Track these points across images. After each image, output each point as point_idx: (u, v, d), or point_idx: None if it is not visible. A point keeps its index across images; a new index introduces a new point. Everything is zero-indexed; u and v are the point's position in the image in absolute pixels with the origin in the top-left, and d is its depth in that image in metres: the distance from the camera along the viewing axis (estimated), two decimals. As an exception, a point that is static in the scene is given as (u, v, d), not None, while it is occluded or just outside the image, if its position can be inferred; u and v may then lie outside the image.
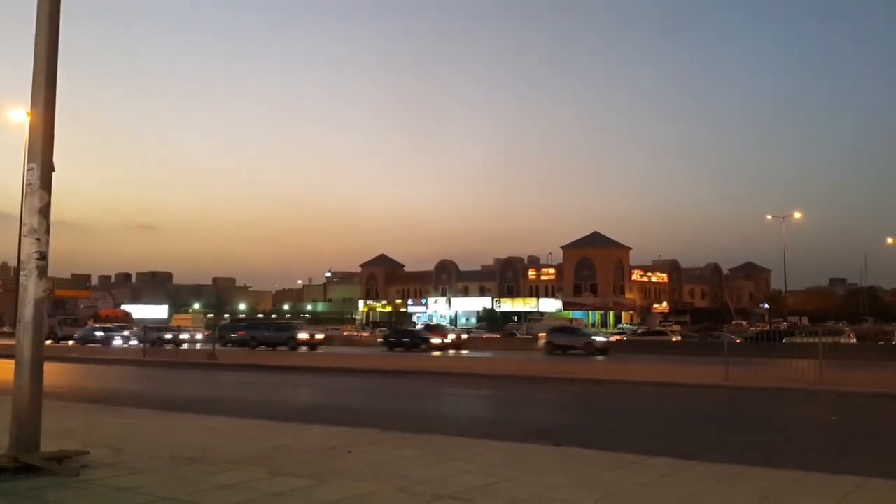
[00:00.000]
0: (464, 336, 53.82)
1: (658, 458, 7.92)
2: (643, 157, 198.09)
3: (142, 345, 41.62)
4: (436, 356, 38.91)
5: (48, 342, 51.78)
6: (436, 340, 46.83)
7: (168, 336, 49.42)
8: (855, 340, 41.13)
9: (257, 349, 44.07)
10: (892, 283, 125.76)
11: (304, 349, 44.44)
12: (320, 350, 44.50)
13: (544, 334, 47.76)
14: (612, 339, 46.67)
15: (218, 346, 47.37)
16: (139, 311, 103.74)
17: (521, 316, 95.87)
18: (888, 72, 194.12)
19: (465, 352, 45.11)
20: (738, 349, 23.52)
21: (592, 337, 42.82)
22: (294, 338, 45.93)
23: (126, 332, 52.16)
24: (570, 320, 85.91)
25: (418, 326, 63.97)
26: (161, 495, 5.90)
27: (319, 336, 49.49)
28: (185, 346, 48.00)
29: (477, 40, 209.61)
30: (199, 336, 55.04)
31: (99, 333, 52.08)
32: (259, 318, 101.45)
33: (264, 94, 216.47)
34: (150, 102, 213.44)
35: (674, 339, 54.36)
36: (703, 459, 8.02)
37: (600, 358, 36.13)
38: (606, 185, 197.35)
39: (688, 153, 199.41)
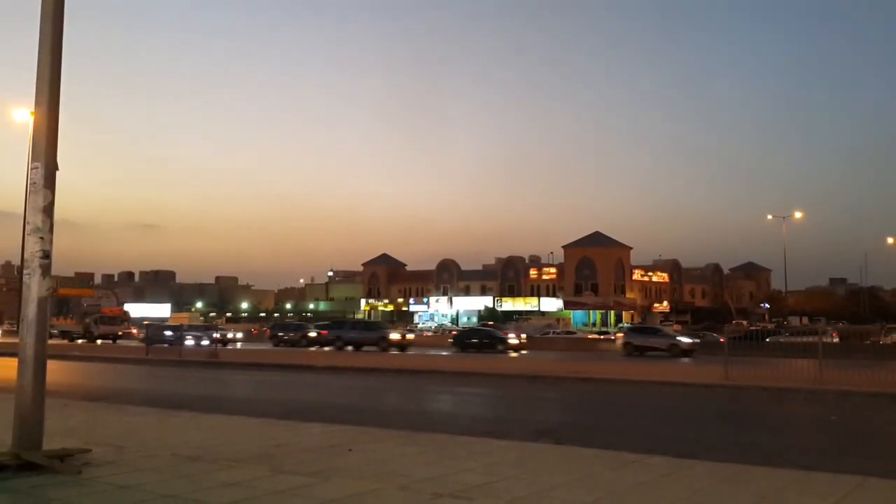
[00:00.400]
0: (523, 336, 50.93)
1: (659, 457, 7.94)
2: (644, 157, 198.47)
3: (213, 346, 41.14)
4: (514, 357, 36.92)
5: (80, 341, 49.75)
6: (514, 341, 43.57)
7: (217, 335, 49.03)
8: (837, 340, 40.42)
9: (344, 350, 41.64)
10: (893, 282, 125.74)
11: (394, 350, 41.36)
12: (392, 351, 40.82)
13: (622, 334, 43.99)
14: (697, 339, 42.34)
15: (270, 346, 46.53)
16: (142, 310, 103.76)
17: (523, 315, 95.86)
18: (888, 72, 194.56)
19: (524, 352, 42.57)
20: (730, 348, 23.85)
21: (678, 338, 39.46)
22: (385, 338, 42.67)
23: (197, 332, 49.43)
24: (557, 320, 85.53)
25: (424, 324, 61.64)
26: (162, 493, 5.92)
27: (410, 336, 46.05)
28: (227, 345, 47.35)
29: (477, 40, 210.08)
30: (238, 335, 54.01)
31: (168, 333, 48.86)
32: (330, 315, 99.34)
33: (265, 94, 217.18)
34: (152, 102, 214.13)
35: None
36: (703, 459, 8.04)
37: (685, 360, 33.61)
38: (607, 184, 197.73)
39: (688, 153, 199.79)
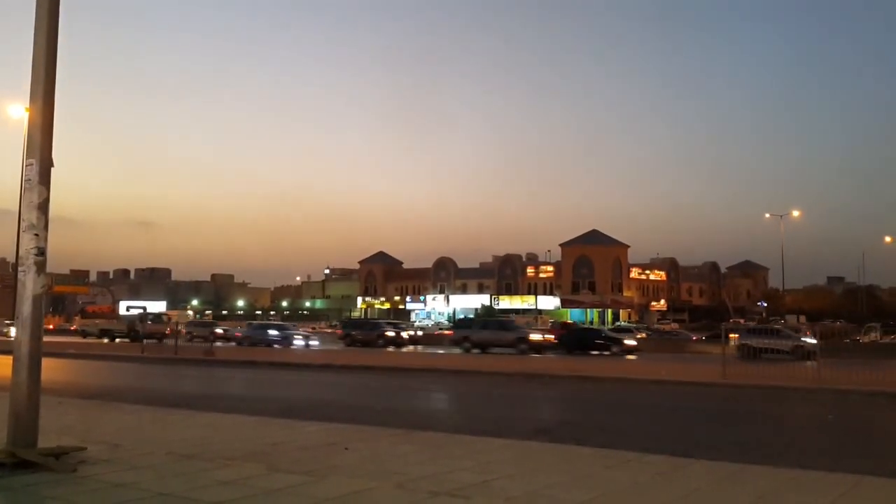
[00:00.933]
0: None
1: (656, 455, 7.93)
2: (642, 156, 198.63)
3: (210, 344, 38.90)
4: (631, 360, 33.38)
5: (118, 340, 46.69)
6: (630, 342, 39.66)
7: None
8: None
9: (471, 352, 37.21)
10: (890, 281, 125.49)
11: (534, 354, 36.27)
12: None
13: (737, 335, 39.23)
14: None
15: (342, 346, 43.93)
16: (137, 308, 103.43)
17: (519, 313, 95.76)
18: (887, 71, 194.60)
19: (632, 356, 37.47)
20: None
21: (803, 339, 36.12)
22: (525, 339, 37.78)
23: (306, 332, 46.50)
24: (536, 318, 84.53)
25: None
26: (158, 491, 5.90)
27: (550, 337, 40.83)
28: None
29: (477, 40, 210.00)
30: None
31: (273, 333, 44.89)
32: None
33: (264, 92, 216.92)
34: (149, 100, 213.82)
35: (638, 336, 53.72)
36: (700, 458, 8.03)
37: (809, 364, 29.62)
38: (605, 183, 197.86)
39: (686, 152, 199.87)
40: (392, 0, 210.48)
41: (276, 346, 41.98)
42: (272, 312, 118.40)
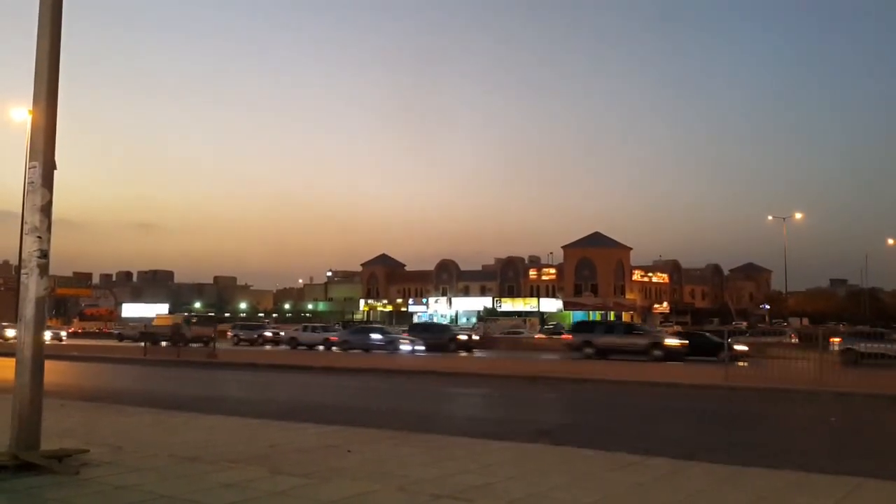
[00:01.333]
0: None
1: (657, 458, 7.93)
2: (644, 157, 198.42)
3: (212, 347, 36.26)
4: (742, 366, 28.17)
5: (163, 344, 42.46)
6: (741, 347, 34.58)
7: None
8: (797, 341, 37.31)
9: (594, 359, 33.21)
10: (893, 283, 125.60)
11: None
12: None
13: (839, 339, 35.17)
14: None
15: (406, 349, 40.65)
16: (140, 310, 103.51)
17: (521, 315, 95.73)
18: (887, 71, 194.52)
19: (743, 363, 31.31)
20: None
21: None
22: (659, 344, 34.68)
23: (411, 337, 42.99)
24: (524, 320, 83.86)
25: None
26: (160, 493, 5.91)
27: (686, 342, 36.01)
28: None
29: (477, 40, 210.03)
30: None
31: (377, 337, 42.33)
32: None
33: (265, 93, 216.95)
34: (151, 102, 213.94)
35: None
36: (702, 460, 8.03)
37: None
38: (605, 183, 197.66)
39: (688, 153, 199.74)
40: (392, 0, 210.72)
41: (379, 351, 39.43)
42: (274, 315, 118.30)
